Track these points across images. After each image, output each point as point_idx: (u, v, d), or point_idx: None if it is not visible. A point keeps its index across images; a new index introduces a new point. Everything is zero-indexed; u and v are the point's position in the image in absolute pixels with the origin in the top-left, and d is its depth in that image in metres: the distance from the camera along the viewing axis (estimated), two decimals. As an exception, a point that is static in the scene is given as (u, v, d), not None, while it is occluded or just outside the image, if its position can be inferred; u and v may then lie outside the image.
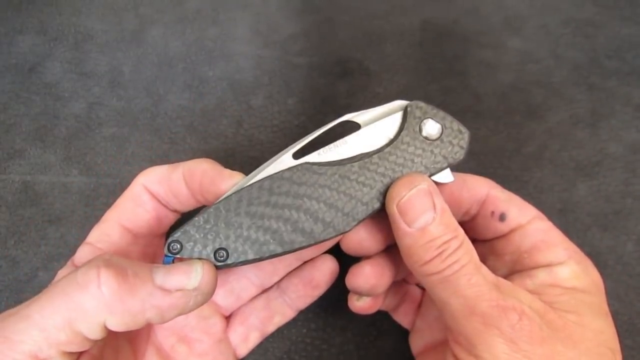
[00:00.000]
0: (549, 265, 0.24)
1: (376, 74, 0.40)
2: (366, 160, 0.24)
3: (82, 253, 0.26)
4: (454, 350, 0.23)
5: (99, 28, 0.42)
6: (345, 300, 0.29)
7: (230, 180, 0.25)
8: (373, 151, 0.25)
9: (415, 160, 0.24)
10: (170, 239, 0.23)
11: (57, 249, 0.34)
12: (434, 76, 0.40)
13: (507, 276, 0.25)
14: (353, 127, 0.26)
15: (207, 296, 0.22)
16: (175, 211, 0.28)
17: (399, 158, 0.24)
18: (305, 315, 0.32)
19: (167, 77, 0.40)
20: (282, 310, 0.30)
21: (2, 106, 0.38)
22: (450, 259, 0.22)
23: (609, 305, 0.30)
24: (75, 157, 0.36)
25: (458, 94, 0.39)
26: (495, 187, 0.27)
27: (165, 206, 0.27)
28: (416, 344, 0.30)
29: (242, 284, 0.30)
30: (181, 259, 0.23)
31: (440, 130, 0.25)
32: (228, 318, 0.30)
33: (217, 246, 0.23)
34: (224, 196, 0.24)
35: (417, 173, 0.24)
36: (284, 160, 0.25)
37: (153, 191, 0.26)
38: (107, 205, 0.34)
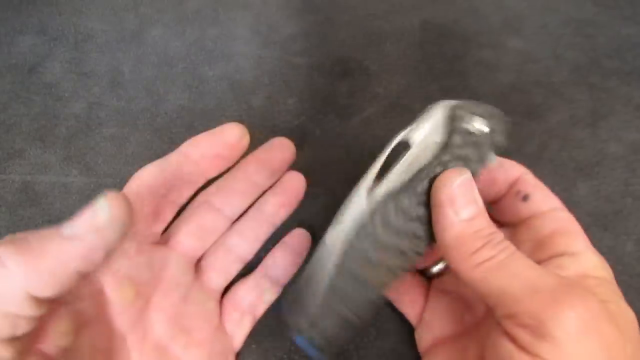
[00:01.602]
0: (573, 254, 0.24)
1: (376, 74, 0.40)
2: (430, 172, 0.24)
3: None
4: (515, 336, 0.21)
5: (99, 28, 0.42)
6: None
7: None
8: (431, 162, 0.24)
9: (471, 157, 0.24)
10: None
11: (57, 249, 0.34)
12: (434, 76, 0.40)
13: None
14: (404, 145, 0.26)
15: (126, 223, 0.22)
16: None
17: (457, 161, 0.24)
18: (305, 315, 0.32)
19: (167, 77, 0.40)
20: (269, 286, 0.31)
21: (2, 106, 0.38)
22: (500, 245, 0.22)
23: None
24: (75, 157, 0.36)
25: (458, 94, 0.39)
26: (528, 172, 0.27)
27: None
28: (424, 338, 0.29)
29: (208, 219, 0.30)
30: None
31: (486, 124, 0.25)
32: (221, 304, 0.30)
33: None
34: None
35: (459, 167, 0.24)
36: (361, 201, 0.24)
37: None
38: (107, 205, 0.34)
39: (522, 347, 0.21)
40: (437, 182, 0.24)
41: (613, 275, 0.24)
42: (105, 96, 0.39)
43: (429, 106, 0.25)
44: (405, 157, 0.24)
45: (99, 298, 0.26)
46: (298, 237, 0.32)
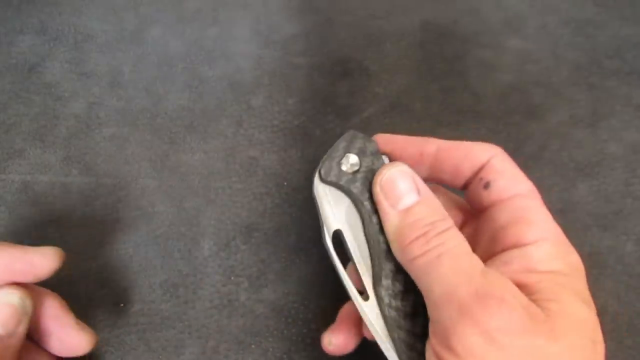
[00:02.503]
0: (523, 246, 0.22)
1: (376, 74, 0.40)
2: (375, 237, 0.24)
3: None
4: (432, 342, 0.21)
5: (99, 28, 0.42)
6: (346, 301, 0.29)
7: None
8: (365, 224, 0.25)
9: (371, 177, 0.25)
10: None
11: (57, 249, 0.34)
12: (434, 76, 0.40)
13: (485, 262, 0.23)
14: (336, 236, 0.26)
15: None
16: None
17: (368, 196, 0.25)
18: (306, 315, 0.32)
19: (167, 77, 0.40)
20: None
21: (2, 106, 0.38)
22: (435, 241, 0.21)
23: (609, 305, 0.30)
24: (75, 157, 0.36)
25: (458, 94, 0.39)
26: (498, 155, 0.25)
27: None
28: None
29: None
30: None
31: (354, 156, 0.25)
32: None
33: None
34: None
35: (397, 162, 0.24)
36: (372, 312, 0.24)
37: None
38: (107, 205, 0.34)
39: (436, 354, 0.20)
40: (375, 176, 0.24)
41: (579, 264, 0.23)
42: (105, 96, 0.39)
43: (314, 194, 0.26)
44: (353, 250, 0.24)
45: None
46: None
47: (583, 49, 0.41)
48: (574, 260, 0.23)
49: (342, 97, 0.39)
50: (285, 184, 0.35)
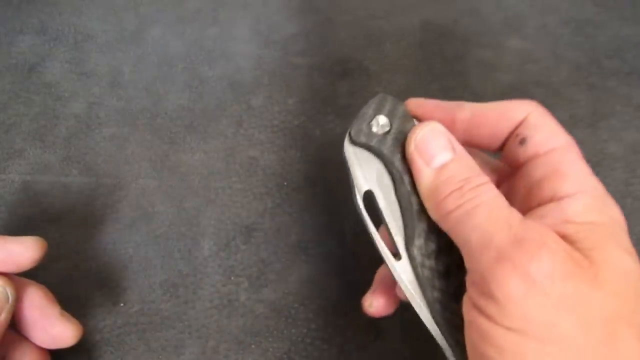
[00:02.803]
0: (559, 199, 0.21)
1: (376, 74, 0.40)
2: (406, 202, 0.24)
3: None
4: (470, 293, 0.20)
5: (99, 28, 0.42)
6: (346, 300, 0.29)
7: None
8: (396, 187, 0.25)
9: (402, 137, 0.25)
10: None
11: (57, 249, 0.34)
12: (434, 76, 0.40)
13: None
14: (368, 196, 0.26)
15: None
16: None
17: (401, 154, 0.25)
18: (306, 315, 0.32)
19: (167, 77, 0.40)
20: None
21: (2, 106, 0.38)
22: (470, 194, 0.21)
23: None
24: (75, 157, 0.36)
25: (458, 94, 0.39)
26: (536, 111, 0.24)
27: None
28: None
29: None
30: None
31: (383, 117, 0.25)
32: None
33: None
34: None
35: (431, 121, 0.24)
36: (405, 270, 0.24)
37: None
38: (107, 205, 0.34)
39: (474, 304, 0.20)
40: (408, 135, 0.24)
41: (619, 217, 0.22)
42: (105, 96, 0.39)
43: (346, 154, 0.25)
44: (385, 211, 0.24)
45: None
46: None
47: (583, 49, 0.41)
48: (614, 213, 0.21)
49: (342, 97, 0.39)
50: (285, 184, 0.35)
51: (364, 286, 0.28)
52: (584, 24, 0.43)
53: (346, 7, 0.44)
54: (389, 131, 0.25)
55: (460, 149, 0.23)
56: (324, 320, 0.32)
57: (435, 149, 0.23)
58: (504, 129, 0.24)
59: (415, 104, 0.26)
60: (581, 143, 0.37)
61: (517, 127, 0.24)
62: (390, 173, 0.24)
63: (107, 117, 0.38)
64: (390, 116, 0.25)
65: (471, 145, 0.25)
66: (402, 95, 0.39)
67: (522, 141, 0.23)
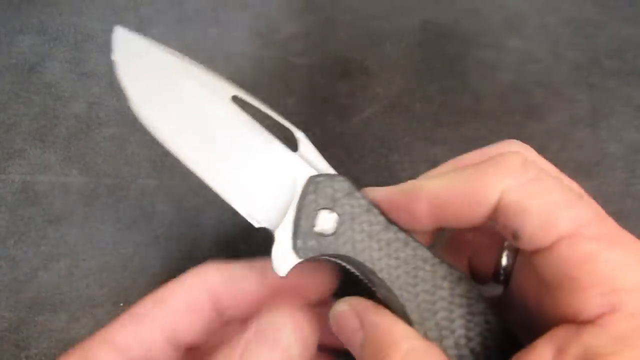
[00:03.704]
0: (575, 321, 0.16)
1: (376, 74, 0.40)
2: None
3: (110, 356, 0.21)
4: None
5: (99, 28, 0.42)
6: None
7: None
8: None
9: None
10: None
11: (57, 249, 0.34)
12: (434, 76, 0.40)
13: (536, 336, 0.17)
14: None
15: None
16: (226, 323, 0.23)
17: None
18: (305, 315, 0.32)
19: (167, 77, 0.40)
20: None
21: (2, 106, 0.38)
22: None
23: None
24: (75, 157, 0.36)
25: (458, 94, 0.39)
26: (513, 182, 0.18)
27: (220, 315, 0.23)
28: None
29: None
30: None
31: (331, 218, 0.21)
32: None
33: None
34: None
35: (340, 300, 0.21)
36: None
37: (216, 296, 0.22)
38: (107, 205, 0.34)
39: None
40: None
41: None
42: (105, 96, 0.39)
43: None
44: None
45: None
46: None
47: (583, 49, 0.41)
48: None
49: (342, 97, 0.39)
50: (285, 184, 0.35)
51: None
52: (584, 24, 0.43)
53: (346, 7, 0.44)
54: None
55: (368, 317, 0.20)
56: (324, 320, 0.32)
57: (349, 332, 0.20)
58: (477, 217, 0.19)
59: (370, 194, 0.22)
60: (581, 143, 0.37)
61: (494, 212, 0.18)
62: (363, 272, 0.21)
63: (107, 117, 0.38)
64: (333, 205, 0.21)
65: (448, 227, 0.21)
66: (402, 96, 0.39)
67: (515, 235, 0.18)
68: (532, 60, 0.41)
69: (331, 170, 0.23)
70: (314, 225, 0.21)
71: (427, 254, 0.21)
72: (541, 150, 0.37)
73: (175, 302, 0.22)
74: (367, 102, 0.39)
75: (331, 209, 0.21)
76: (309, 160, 0.23)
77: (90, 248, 0.33)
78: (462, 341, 0.20)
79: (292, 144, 0.24)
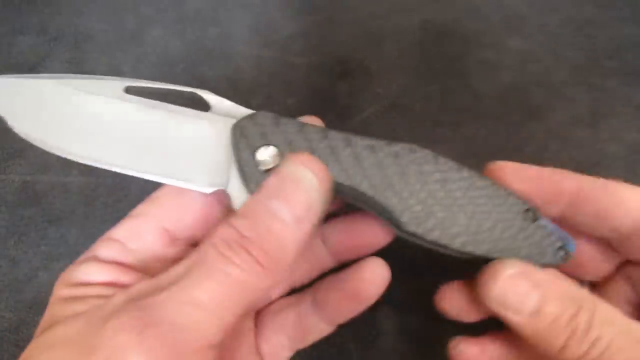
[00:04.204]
0: None
1: (376, 74, 0.40)
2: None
3: (109, 250, 0.23)
4: None
5: (99, 28, 0.42)
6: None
7: None
8: None
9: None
10: None
11: (57, 249, 0.34)
12: (434, 76, 0.40)
13: None
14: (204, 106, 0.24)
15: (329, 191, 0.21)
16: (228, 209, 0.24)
17: None
18: (305, 315, 0.32)
19: (167, 77, 0.40)
20: (317, 327, 0.26)
21: (2, 106, 0.38)
22: (590, 336, 0.18)
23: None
24: (75, 157, 0.36)
25: (458, 94, 0.39)
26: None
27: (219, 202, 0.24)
28: None
29: None
30: None
31: (276, 152, 0.22)
32: (257, 325, 0.26)
33: None
34: None
35: (505, 260, 0.21)
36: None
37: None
38: (107, 205, 0.34)
39: None
40: (481, 290, 0.21)
41: None
42: (105, 96, 0.39)
43: None
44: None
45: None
46: (370, 273, 0.24)
47: (583, 49, 0.41)
48: None
49: (342, 97, 0.39)
50: (285, 184, 0.35)
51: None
52: (584, 24, 0.43)
53: (346, 6, 0.44)
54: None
55: (543, 277, 0.20)
56: (324, 320, 0.32)
57: (518, 297, 0.20)
58: (620, 221, 0.21)
59: (513, 170, 0.23)
60: (581, 143, 0.37)
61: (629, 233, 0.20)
62: None
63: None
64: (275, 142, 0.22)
65: (572, 224, 0.22)
66: (402, 96, 0.39)
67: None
68: (532, 60, 0.41)
69: (250, 111, 0.23)
70: (258, 165, 0.22)
71: (373, 141, 0.23)
72: (541, 150, 0.37)
73: (168, 199, 0.23)
74: (367, 102, 0.39)
75: (266, 144, 0.22)
76: (226, 112, 0.23)
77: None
78: None
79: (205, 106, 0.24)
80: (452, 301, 0.25)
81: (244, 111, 0.23)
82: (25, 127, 0.23)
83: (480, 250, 0.22)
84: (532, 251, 0.22)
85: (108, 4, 0.43)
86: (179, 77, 0.40)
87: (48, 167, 0.36)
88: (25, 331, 0.31)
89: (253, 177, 0.21)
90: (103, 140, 0.22)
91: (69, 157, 0.22)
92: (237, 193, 0.22)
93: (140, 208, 0.24)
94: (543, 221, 0.22)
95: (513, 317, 0.20)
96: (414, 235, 0.22)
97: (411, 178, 0.22)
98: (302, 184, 0.20)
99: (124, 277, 0.22)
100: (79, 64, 0.40)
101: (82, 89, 0.23)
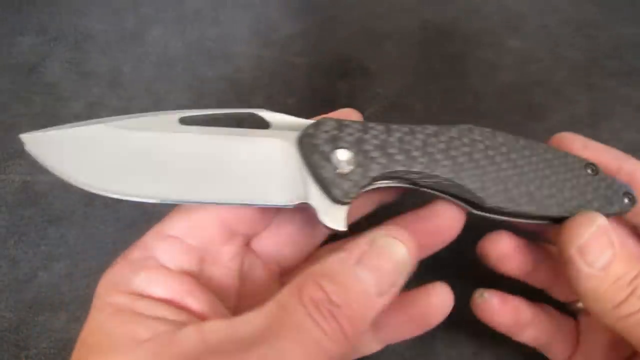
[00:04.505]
0: None
1: (376, 74, 0.40)
2: None
3: (170, 252, 0.21)
4: None
5: (99, 28, 0.42)
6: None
7: None
8: None
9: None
10: None
11: (57, 249, 0.34)
12: (434, 76, 0.40)
13: None
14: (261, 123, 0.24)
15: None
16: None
17: None
18: (305, 315, 0.32)
19: (167, 77, 0.40)
20: (369, 346, 0.26)
21: (2, 106, 0.38)
22: None
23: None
24: (75, 157, 0.36)
25: (458, 94, 0.39)
26: None
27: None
28: None
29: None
30: None
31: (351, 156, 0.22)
32: None
33: None
34: None
35: (590, 211, 0.22)
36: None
37: None
38: (107, 205, 0.34)
39: None
40: (567, 232, 0.22)
41: None
42: (105, 96, 0.39)
43: None
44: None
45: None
46: (437, 297, 0.24)
47: (583, 49, 0.41)
48: None
49: (342, 97, 0.39)
50: (285, 184, 0.35)
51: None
52: (584, 24, 0.43)
53: (346, 6, 0.44)
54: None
55: (617, 239, 0.22)
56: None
57: (598, 249, 0.21)
58: None
59: (583, 143, 0.25)
60: (581, 143, 0.37)
61: None
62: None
63: (107, 117, 0.38)
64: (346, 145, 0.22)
65: None
66: (402, 96, 0.39)
67: None
68: (532, 60, 0.41)
69: (309, 121, 0.23)
70: (335, 170, 0.21)
71: (433, 127, 0.23)
72: (541, 150, 0.37)
73: None
74: (367, 102, 0.39)
75: (337, 148, 0.22)
76: (284, 125, 0.23)
77: (90, 248, 0.33)
78: None
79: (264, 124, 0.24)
80: (497, 248, 0.25)
81: (302, 122, 0.23)
82: (85, 177, 0.21)
83: (553, 212, 0.23)
84: (601, 202, 0.23)
85: (108, 4, 0.43)
86: (179, 77, 0.40)
87: (48, 167, 0.36)
88: (25, 331, 0.31)
89: (332, 183, 0.21)
90: (171, 176, 0.21)
91: (141, 199, 0.21)
92: (320, 203, 0.21)
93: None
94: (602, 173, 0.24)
95: (583, 267, 0.21)
96: (491, 210, 0.23)
97: (478, 155, 0.23)
98: (393, 260, 0.20)
99: (189, 297, 0.21)
100: (79, 64, 0.40)
101: (138, 127, 0.22)
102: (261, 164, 0.22)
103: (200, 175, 0.21)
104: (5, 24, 0.42)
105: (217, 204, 0.21)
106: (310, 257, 0.26)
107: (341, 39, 0.42)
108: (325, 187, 0.21)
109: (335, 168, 0.21)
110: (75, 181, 0.21)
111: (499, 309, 0.25)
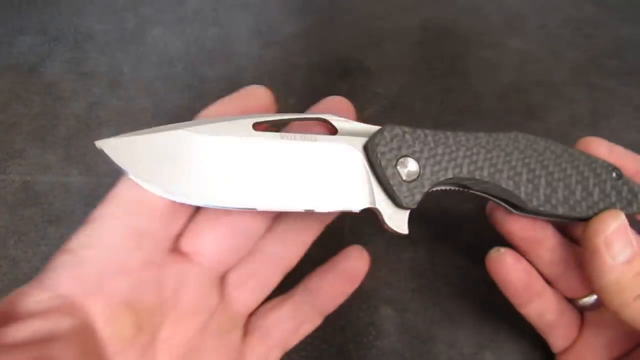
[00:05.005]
0: None
1: (376, 74, 0.40)
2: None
3: (61, 265, 0.21)
4: None
5: (99, 28, 0.42)
6: (345, 300, 0.29)
7: None
8: None
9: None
10: None
11: (57, 249, 0.33)
12: (434, 76, 0.40)
13: None
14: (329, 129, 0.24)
15: None
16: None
17: None
18: (305, 315, 0.32)
19: (167, 77, 0.40)
20: (310, 317, 0.27)
21: (2, 106, 0.38)
22: None
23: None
24: (75, 157, 0.36)
25: (458, 94, 0.39)
26: None
27: None
28: None
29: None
30: None
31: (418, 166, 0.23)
32: (245, 333, 0.26)
33: None
34: None
35: (614, 209, 0.24)
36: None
37: None
38: (107, 205, 0.34)
39: None
40: (592, 226, 0.23)
41: None
42: (105, 96, 0.39)
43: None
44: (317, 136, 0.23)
45: (84, 336, 0.20)
46: (354, 259, 0.27)
47: (583, 49, 0.41)
48: None
49: (342, 96, 0.39)
50: (285, 184, 0.35)
51: (363, 285, 0.28)
52: (584, 24, 0.43)
53: (346, 7, 0.44)
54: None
55: (636, 236, 0.23)
56: (323, 320, 0.32)
57: (622, 243, 0.23)
58: None
59: (607, 148, 0.27)
60: (581, 143, 0.37)
61: None
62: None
63: (107, 117, 0.38)
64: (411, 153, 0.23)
65: None
66: (402, 95, 0.39)
67: None
68: (532, 60, 0.41)
69: (374, 128, 0.23)
70: (401, 176, 0.22)
71: (482, 135, 0.24)
72: (541, 150, 0.37)
73: (126, 187, 0.24)
74: (367, 102, 0.39)
75: (404, 156, 0.23)
76: (352, 131, 0.23)
77: (90, 248, 0.33)
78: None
79: (331, 129, 0.24)
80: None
81: (368, 128, 0.24)
82: (162, 184, 0.22)
83: (583, 214, 0.24)
84: (623, 204, 0.25)
85: (108, 4, 0.43)
86: (179, 77, 0.40)
87: (48, 167, 0.36)
88: (25, 331, 0.31)
89: (399, 189, 0.22)
90: (249, 182, 0.22)
91: (218, 205, 0.21)
92: (386, 208, 0.22)
93: (97, 210, 0.23)
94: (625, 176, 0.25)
95: (607, 259, 0.22)
96: (530, 211, 0.24)
97: (531, 162, 0.24)
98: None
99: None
100: (79, 64, 0.40)
101: (215, 133, 0.22)
102: (331, 169, 0.22)
103: (275, 181, 0.22)
104: (5, 24, 0.42)
105: (290, 210, 0.22)
106: (253, 251, 0.26)
107: (341, 39, 0.42)
108: (391, 193, 0.22)
109: (401, 175, 0.22)
110: (155, 189, 0.22)
111: (512, 265, 0.26)
